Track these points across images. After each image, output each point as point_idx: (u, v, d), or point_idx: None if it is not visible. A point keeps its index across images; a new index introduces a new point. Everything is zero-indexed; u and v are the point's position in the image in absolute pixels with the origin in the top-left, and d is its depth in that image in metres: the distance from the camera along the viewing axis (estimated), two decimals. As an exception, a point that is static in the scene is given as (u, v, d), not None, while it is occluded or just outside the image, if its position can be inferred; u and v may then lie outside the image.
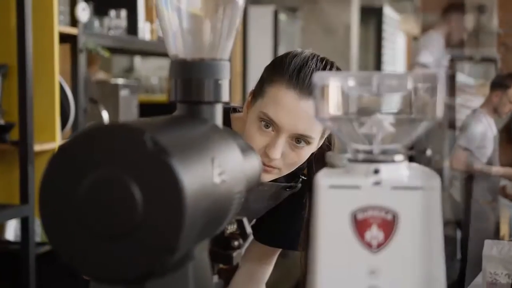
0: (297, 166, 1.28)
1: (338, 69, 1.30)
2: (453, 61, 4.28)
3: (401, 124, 0.70)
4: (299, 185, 1.39)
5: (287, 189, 1.40)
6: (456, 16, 4.31)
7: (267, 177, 1.28)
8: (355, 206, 0.67)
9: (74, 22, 2.61)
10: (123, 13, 2.96)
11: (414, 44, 9.74)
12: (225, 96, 0.81)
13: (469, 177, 4.29)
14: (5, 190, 2.42)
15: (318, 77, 0.70)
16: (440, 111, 0.69)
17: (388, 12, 7.39)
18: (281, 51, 5.72)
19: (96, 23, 2.88)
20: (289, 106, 1.20)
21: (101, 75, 3.72)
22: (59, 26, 2.50)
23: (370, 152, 0.70)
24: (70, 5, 2.60)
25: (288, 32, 5.11)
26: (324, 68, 1.26)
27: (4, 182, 2.42)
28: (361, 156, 0.70)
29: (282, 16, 4.97)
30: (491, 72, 9.01)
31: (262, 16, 4.87)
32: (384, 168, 0.68)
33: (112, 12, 2.96)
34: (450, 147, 4.11)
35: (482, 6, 8.85)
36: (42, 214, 0.62)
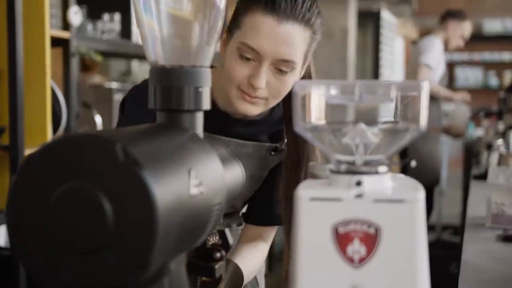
0: (282, 97, 1.25)
1: None
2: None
3: (385, 134, 0.68)
4: (284, 147, 1.37)
5: (272, 152, 1.38)
6: (452, 23, 4.36)
7: (254, 109, 1.25)
8: (336, 220, 0.65)
9: (66, 25, 2.59)
10: (117, 16, 2.94)
11: (412, 48, 9.73)
12: (206, 104, 0.79)
13: None
14: (-5, 195, 2.40)
15: (299, 85, 0.68)
16: (424, 121, 0.66)
17: (386, 16, 7.38)
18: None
19: (90, 26, 2.86)
20: (268, 32, 1.17)
21: (97, 79, 3.70)
22: (51, 29, 2.48)
23: (352, 163, 0.68)
24: (62, 9, 2.57)
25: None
26: None
27: (-6, 187, 2.40)
28: (343, 167, 0.68)
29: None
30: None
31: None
32: (366, 180, 0.66)
33: (106, 16, 2.94)
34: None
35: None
36: (9, 225, 0.59)
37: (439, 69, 4.44)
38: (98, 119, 2.86)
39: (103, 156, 0.58)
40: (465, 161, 5.49)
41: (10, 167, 2.27)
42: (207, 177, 0.69)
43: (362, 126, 0.68)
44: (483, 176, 2.82)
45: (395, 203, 0.64)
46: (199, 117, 0.79)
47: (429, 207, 4.55)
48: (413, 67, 4.44)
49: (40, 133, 2.42)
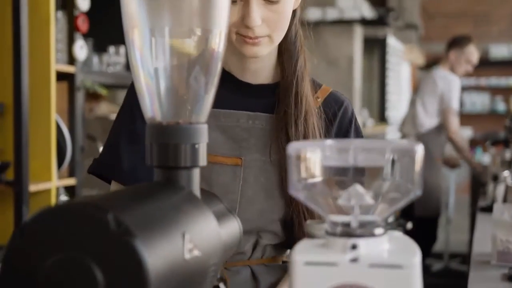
0: (286, 27, 1.17)
1: None
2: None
3: (381, 197, 0.67)
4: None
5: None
6: (454, 51, 4.37)
7: (261, 50, 1.16)
8: (332, 284, 0.64)
9: (72, 60, 2.60)
10: (122, 49, 2.96)
11: (418, 73, 9.75)
12: (202, 161, 0.79)
13: (428, 133, 4.41)
14: (-1, 231, 2.40)
15: (292, 148, 0.67)
16: (419, 184, 0.66)
17: (392, 42, 7.40)
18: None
19: (95, 59, 2.88)
20: None
21: (104, 107, 3.71)
22: (57, 64, 2.49)
23: (348, 225, 0.68)
24: (68, 43, 2.59)
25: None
26: None
27: (-2, 223, 2.40)
28: (338, 229, 0.67)
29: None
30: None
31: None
32: (362, 243, 0.65)
33: (111, 49, 2.96)
34: None
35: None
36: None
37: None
38: (103, 151, 2.85)
39: (95, 226, 0.58)
40: (472, 188, 5.46)
41: (15, 203, 2.28)
42: (202, 239, 0.69)
43: (358, 187, 0.68)
44: (489, 209, 2.80)
45: (391, 268, 0.63)
46: (196, 174, 0.79)
47: (433, 237, 4.52)
48: (439, 107, 4.38)
49: (45, 168, 2.43)
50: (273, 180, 1.19)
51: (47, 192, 2.45)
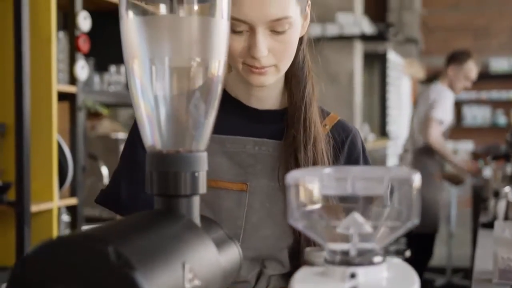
0: (292, 56, 1.16)
1: None
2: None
3: (380, 225, 0.68)
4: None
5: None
6: (453, 67, 4.38)
7: (267, 79, 1.16)
8: (331, 313, 0.65)
9: (73, 80, 2.62)
10: (123, 68, 2.98)
11: (419, 87, 9.78)
12: (202, 188, 0.79)
13: (424, 149, 4.40)
14: (0, 252, 2.39)
15: (291, 177, 0.68)
16: (418, 213, 0.67)
17: (392, 57, 7.42)
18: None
19: (96, 78, 2.89)
20: None
21: (106, 125, 3.72)
22: (58, 84, 2.51)
23: (347, 253, 0.68)
24: (69, 63, 2.60)
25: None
26: None
27: (0, 244, 2.40)
28: (337, 258, 0.68)
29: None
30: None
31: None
32: (361, 271, 0.66)
33: (112, 68, 2.98)
34: None
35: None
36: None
37: (448, 120, 4.46)
38: (104, 170, 2.87)
39: (96, 258, 0.58)
40: (474, 201, 5.45)
41: (16, 223, 2.28)
42: (202, 268, 0.69)
43: (356, 216, 0.68)
44: (491, 225, 2.79)
45: (389, 297, 0.64)
46: (196, 201, 0.79)
47: (429, 253, 4.50)
48: (423, 118, 4.43)
49: (46, 188, 2.43)
50: (280, 206, 1.18)
51: (49, 212, 2.45)
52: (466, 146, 9.98)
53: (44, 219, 2.42)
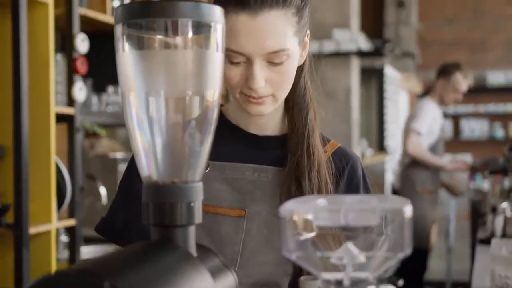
0: (290, 85, 1.16)
1: None
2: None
3: (373, 255, 0.69)
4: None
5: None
6: (441, 81, 4.40)
7: (265, 108, 1.16)
8: None
9: (71, 101, 2.63)
10: (121, 88, 2.99)
11: (416, 101, 9.82)
12: (198, 218, 0.80)
13: (411, 164, 4.35)
14: (-1, 274, 2.40)
15: (285, 208, 0.69)
16: (409, 243, 0.68)
17: (389, 72, 7.45)
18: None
19: (94, 99, 2.91)
20: (244, 29, 1.09)
21: (105, 143, 3.73)
22: (56, 106, 2.52)
23: (340, 282, 0.69)
24: (67, 85, 2.62)
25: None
26: None
27: (-1, 266, 2.41)
28: (331, 287, 0.69)
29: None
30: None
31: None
32: (355, 302, 0.67)
33: (110, 88, 3.00)
34: None
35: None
36: None
37: (434, 134, 4.42)
38: (103, 190, 2.87)
39: (93, 293, 0.59)
40: (472, 215, 5.46)
41: (15, 245, 2.28)
42: (198, 299, 0.70)
43: (350, 246, 0.69)
44: (488, 241, 2.80)
45: (383, 328, 0.65)
46: (192, 231, 0.80)
47: (423, 267, 4.48)
48: (405, 129, 4.48)
49: (44, 210, 2.44)
50: (275, 228, 1.19)
51: (47, 234, 2.45)
52: (464, 159, 9.99)
53: (43, 241, 2.43)
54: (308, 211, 0.69)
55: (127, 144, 4.20)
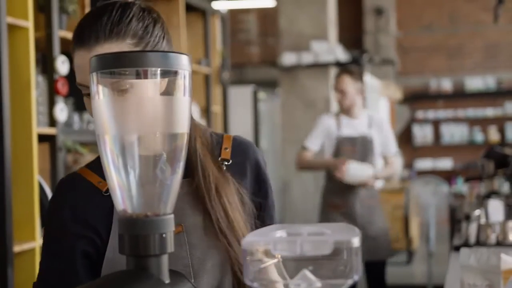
0: None
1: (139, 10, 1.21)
2: None
3: (327, 281, 0.76)
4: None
5: None
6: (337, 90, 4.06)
7: None
8: None
9: (52, 122, 2.69)
10: (102, 106, 3.06)
11: (397, 108, 9.94)
12: (170, 247, 0.88)
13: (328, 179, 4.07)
14: (-16, 293, 2.45)
15: (246, 242, 0.76)
16: (358, 270, 0.75)
17: (369, 79, 7.55)
18: (262, 127, 5.87)
19: (76, 118, 2.97)
20: (83, 63, 1.16)
21: (89, 158, 3.77)
22: (38, 127, 2.58)
23: (299, 307, 0.76)
24: (48, 105, 2.68)
25: (268, 108, 5.22)
26: (104, 9, 1.19)
27: (-16, 285, 2.45)
28: (290, 313, 0.76)
29: (262, 94, 5.09)
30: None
31: (242, 95, 5.00)
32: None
33: (91, 107, 3.06)
34: None
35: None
36: None
37: (316, 144, 4.07)
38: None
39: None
40: (450, 221, 5.56)
41: (-1, 264, 2.34)
42: (169, 325, 0.77)
43: (306, 273, 0.77)
44: (463, 247, 2.87)
45: None
46: (164, 260, 0.87)
47: (383, 280, 4.21)
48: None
49: (28, 229, 2.49)
50: (213, 233, 1.24)
51: (31, 251, 2.51)
52: (445, 164, 10.15)
53: (27, 258, 2.48)
54: (268, 243, 0.77)
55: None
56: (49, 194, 2.61)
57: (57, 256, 1.23)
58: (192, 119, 1.29)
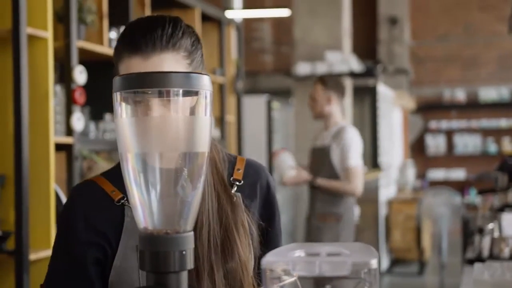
0: None
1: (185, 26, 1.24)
2: None
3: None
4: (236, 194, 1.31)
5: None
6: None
7: None
8: None
9: (69, 131, 2.72)
10: (118, 116, 3.08)
11: (410, 118, 9.92)
12: (189, 264, 0.89)
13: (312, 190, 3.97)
14: (0, 300, 2.47)
15: (266, 261, 0.78)
16: (375, 291, 0.76)
17: (382, 89, 7.56)
18: (275, 137, 5.88)
19: (92, 127, 3.00)
20: (137, 71, 1.17)
21: (103, 165, 3.79)
22: (55, 136, 2.61)
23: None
24: (66, 115, 2.71)
25: (282, 118, 5.23)
26: (157, 20, 1.22)
27: (0, 292, 2.48)
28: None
29: (276, 104, 5.11)
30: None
31: (256, 105, 5.02)
32: None
33: (108, 116, 3.09)
34: None
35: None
36: None
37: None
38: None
39: None
40: (463, 233, 5.54)
41: (16, 272, 2.36)
42: None
43: (324, 291, 0.78)
44: (476, 261, 2.86)
45: None
46: (184, 276, 0.89)
47: None
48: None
49: (44, 236, 2.52)
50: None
51: (47, 260, 2.52)
52: (458, 174, 10.11)
53: (43, 267, 2.50)
54: (287, 263, 0.78)
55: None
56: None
57: (66, 260, 1.25)
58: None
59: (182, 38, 1.22)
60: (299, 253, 0.80)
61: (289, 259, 0.78)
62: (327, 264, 0.77)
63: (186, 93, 0.87)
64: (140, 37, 1.19)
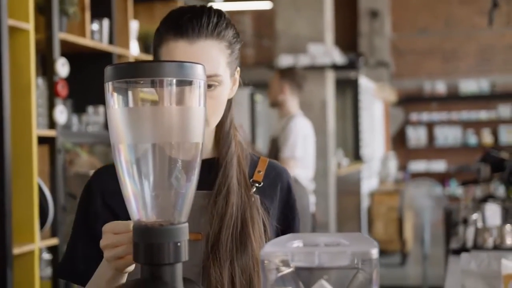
0: (221, 112, 1.24)
1: (224, 17, 1.26)
2: None
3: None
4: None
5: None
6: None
7: None
8: None
9: (52, 124, 2.68)
10: (101, 109, 3.05)
11: (391, 110, 9.96)
12: (184, 256, 0.88)
13: None
14: (-17, 295, 2.44)
15: (264, 252, 0.77)
16: (377, 282, 0.75)
17: (364, 82, 7.57)
18: (258, 130, 5.87)
19: (75, 120, 2.96)
20: (182, 54, 1.18)
21: (85, 159, 3.76)
22: (38, 129, 2.57)
23: (315, 317, 0.77)
24: (48, 108, 2.67)
25: (265, 110, 5.21)
26: (202, 9, 1.24)
27: (-17, 287, 2.44)
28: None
29: (258, 97, 5.09)
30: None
31: (239, 98, 4.99)
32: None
33: (90, 109, 3.05)
34: None
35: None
36: None
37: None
38: (84, 209, 2.91)
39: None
40: (445, 224, 5.57)
41: (-1, 266, 2.33)
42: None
43: (324, 282, 0.77)
44: (460, 251, 2.88)
45: None
46: (179, 268, 0.88)
47: None
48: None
49: (27, 230, 2.49)
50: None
51: (31, 253, 2.50)
52: (439, 166, 10.18)
53: (26, 260, 2.47)
54: (286, 254, 0.77)
55: (106, 159, 4.23)
56: (48, 196, 2.60)
57: (85, 235, 1.25)
58: (237, 137, 1.30)
59: (226, 29, 1.24)
60: (297, 243, 0.79)
61: (288, 250, 0.77)
62: (326, 255, 0.76)
63: (179, 83, 0.86)
64: (187, 21, 1.20)
